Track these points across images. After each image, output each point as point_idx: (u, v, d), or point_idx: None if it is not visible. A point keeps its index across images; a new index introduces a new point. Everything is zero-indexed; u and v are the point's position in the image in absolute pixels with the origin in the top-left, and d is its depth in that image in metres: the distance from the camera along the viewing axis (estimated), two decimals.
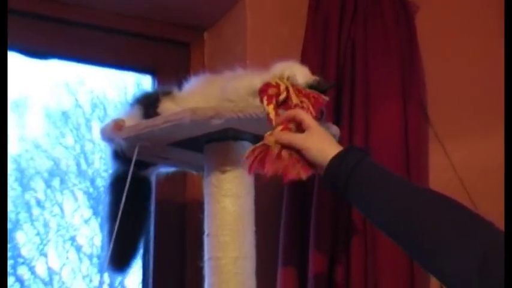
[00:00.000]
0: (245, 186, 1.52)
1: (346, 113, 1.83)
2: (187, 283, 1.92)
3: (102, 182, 2.48)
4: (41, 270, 2.84)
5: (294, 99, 1.38)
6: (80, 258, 2.93)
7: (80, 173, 2.98)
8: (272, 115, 1.37)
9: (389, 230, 1.19)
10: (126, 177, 1.52)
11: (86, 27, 1.94)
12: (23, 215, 2.75)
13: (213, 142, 1.54)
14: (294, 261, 1.76)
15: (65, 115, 2.95)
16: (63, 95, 2.89)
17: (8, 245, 2.10)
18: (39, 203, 2.86)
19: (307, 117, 1.32)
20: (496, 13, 1.72)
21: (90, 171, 3.00)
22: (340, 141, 1.62)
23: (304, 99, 1.39)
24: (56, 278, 2.96)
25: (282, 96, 1.39)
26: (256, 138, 1.47)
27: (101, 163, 2.96)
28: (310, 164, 1.29)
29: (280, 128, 1.33)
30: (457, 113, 1.96)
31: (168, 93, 1.60)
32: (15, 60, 1.87)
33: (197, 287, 1.57)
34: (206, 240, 1.52)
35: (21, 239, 2.69)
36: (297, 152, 1.30)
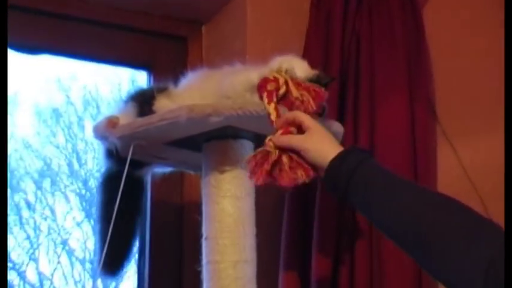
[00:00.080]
0: (245, 187, 1.52)
1: (350, 109, 1.83)
2: None
3: (95, 183, 2.48)
4: (31, 275, 2.85)
5: (294, 93, 1.38)
6: (72, 263, 2.93)
7: (72, 174, 2.98)
8: (273, 116, 1.37)
9: (393, 232, 1.19)
10: (119, 177, 1.52)
11: (78, 20, 1.94)
12: (12, 218, 2.75)
13: (212, 141, 1.53)
14: (296, 265, 1.76)
15: (56, 113, 2.95)
16: (54, 92, 2.90)
17: None
18: (29, 205, 2.86)
19: (307, 119, 1.32)
20: None
21: (82, 172, 3.00)
22: (344, 139, 1.63)
23: (304, 93, 1.39)
24: (47, 284, 2.96)
25: (282, 91, 1.39)
26: (257, 137, 1.47)
27: (94, 163, 2.96)
28: (312, 166, 1.29)
29: (280, 132, 1.33)
30: (467, 110, 1.95)
31: (164, 90, 1.60)
32: None
33: None
34: (204, 244, 1.52)
35: (11, 242, 2.69)
36: (298, 155, 1.30)
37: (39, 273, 2.87)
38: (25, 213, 2.83)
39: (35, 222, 2.86)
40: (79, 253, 2.93)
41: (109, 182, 1.62)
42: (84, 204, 2.96)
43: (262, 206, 1.56)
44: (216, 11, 2.04)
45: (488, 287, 1.02)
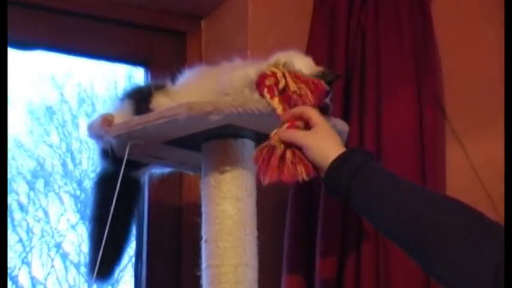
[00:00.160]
0: (246, 188, 1.52)
1: (355, 106, 1.84)
2: None
3: (90, 184, 2.49)
4: (23, 280, 2.85)
5: (292, 87, 1.39)
6: (66, 267, 2.93)
7: (66, 174, 2.99)
8: (279, 110, 1.37)
9: (396, 234, 1.20)
10: (114, 177, 1.52)
11: (73, 15, 1.94)
12: None
13: (211, 140, 1.54)
14: (299, 269, 1.76)
15: (50, 111, 2.96)
16: (48, 89, 2.90)
17: None
18: (21, 206, 2.87)
19: (314, 114, 1.33)
20: None
21: (77, 172, 3.01)
22: (349, 138, 1.63)
23: (302, 86, 1.39)
24: None
25: (281, 84, 1.39)
26: (258, 136, 1.47)
27: (89, 163, 2.96)
28: (313, 164, 1.30)
29: (286, 125, 1.34)
30: (477, 107, 1.96)
31: (161, 87, 1.60)
32: None
33: None
34: (204, 247, 1.52)
35: None
36: (301, 151, 1.30)
37: (32, 278, 2.87)
38: (17, 215, 2.83)
39: (27, 225, 2.87)
40: (73, 257, 2.94)
41: (104, 183, 1.62)
42: (78, 205, 2.97)
43: (264, 207, 1.57)
44: (216, 5, 2.04)
45: None
